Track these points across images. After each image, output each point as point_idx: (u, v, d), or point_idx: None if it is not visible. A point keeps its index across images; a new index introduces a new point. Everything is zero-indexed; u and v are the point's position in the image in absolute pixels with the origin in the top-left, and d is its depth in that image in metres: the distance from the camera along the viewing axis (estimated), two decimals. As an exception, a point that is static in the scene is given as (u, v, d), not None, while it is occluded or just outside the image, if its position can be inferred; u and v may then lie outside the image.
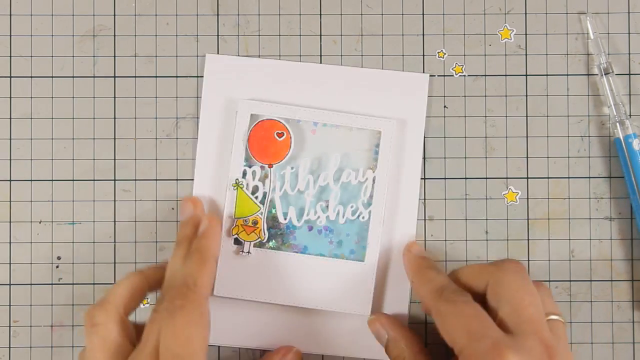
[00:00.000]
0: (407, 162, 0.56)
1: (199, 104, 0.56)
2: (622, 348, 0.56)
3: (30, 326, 0.56)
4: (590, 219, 0.56)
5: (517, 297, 0.47)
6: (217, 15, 0.57)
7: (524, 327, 0.46)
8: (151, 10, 0.57)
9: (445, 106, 0.57)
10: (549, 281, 0.56)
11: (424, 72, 0.57)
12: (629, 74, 0.57)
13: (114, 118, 0.56)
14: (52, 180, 0.56)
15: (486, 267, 0.50)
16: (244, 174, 0.55)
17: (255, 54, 0.57)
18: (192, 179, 0.56)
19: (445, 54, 0.57)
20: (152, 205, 0.56)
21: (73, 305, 0.56)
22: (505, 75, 0.57)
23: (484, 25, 0.57)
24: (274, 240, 0.56)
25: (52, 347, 0.56)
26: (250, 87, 0.56)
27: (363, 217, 0.55)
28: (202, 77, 0.56)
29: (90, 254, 0.56)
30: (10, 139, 0.56)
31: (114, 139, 0.56)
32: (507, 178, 0.56)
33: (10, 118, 0.56)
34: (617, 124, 0.56)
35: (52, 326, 0.56)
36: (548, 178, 0.56)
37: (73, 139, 0.56)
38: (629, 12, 0.57)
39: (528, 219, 0.56)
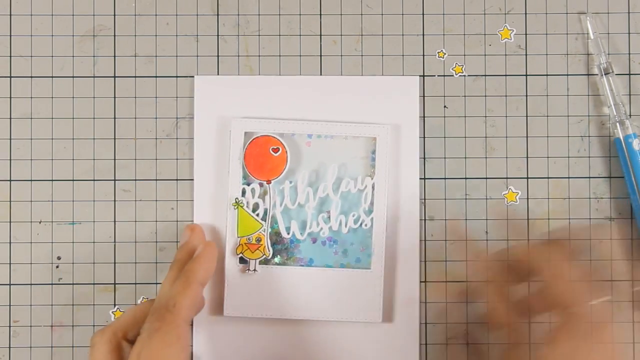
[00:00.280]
0: (405, 165, 0.56)
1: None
2: (622, 348, 0.56)
3: (30, 326, 0.56)
4: (590, 219, 0.56)
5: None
6: (217, 15, 0.57)
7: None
8: (151, 10, 0.57)
9: (445, 106, 0.57)
10: (549, 281, 0.56)
11: (424, 72, 0.57)
12: (629, 74, 0.57)
13: (114, 118, 0.56)
14: (52, 180, 0.56)
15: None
16: (243, 193, 0.55)
17: (255, 54, 0.57)
18: (192, 179, 0.56)
19: (445, 54, 0.57)
20: (152, 205, 0.56)
21: (73, 305, 0.56)
22: (505, 75, 0.57)
23: (484, 25, 0.57)
24: (279, 256, 0.56)
25: (52, 347, 0.56)
26: (241, 104, 0.56)
27: (366, 225, 0.55)
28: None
29: (90, 254, 0.56)
30: (10, 139, 0.56)
31: (114, 139, 0.56)
32: (507, 178, 0.56)
33: (10, 118, 0.56)
34: (617, 124, 0.56)
35: (52, 326, 0.56)
36: (548, 178, 0.56)
37: (73, 139, 0.56)
38: (629, 12, 0.57)
39: (528, 219, 0.56)
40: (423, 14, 0.57)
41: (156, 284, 0.56)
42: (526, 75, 0.57)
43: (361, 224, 0.55)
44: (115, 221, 0.56)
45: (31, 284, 0.56)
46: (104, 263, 0.56)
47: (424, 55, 0.57)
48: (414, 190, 0.56)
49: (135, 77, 0.57)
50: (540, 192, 0.56)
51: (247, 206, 0.55)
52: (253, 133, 0.55)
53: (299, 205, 0.56)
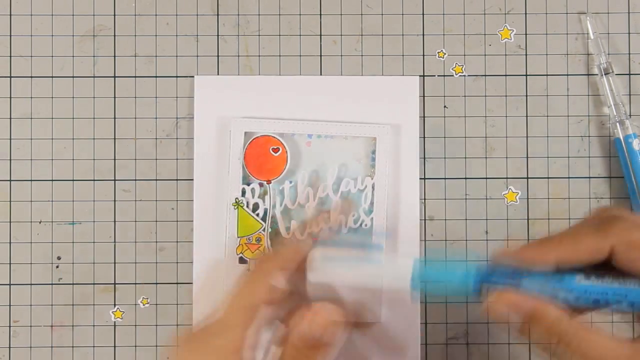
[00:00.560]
0: (405, 165, 0.56)
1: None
2: None
3: (30, 326, 0.56)
4: (590, 219, 0.56)
5: None
6: (217, 15, 0.57)
7: None
8: (151, 10, 0.57)
9: (445, 106, 0.57)
10: (549, 281, 0.56)
11: (424, 72, 0.57)
12: (629, 74, 0.57)
13: (114, 118, 0.56)
14: (52, 180, 0.56)
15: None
16: (243, 193, 0.55)
17: (255, 54, 0.57)
18: (192, 179, 0.56)
19: (445, 54, 0.57)
20: (152, 205, 0.56)
21: (73, 305, 0.56)
22: (505, 75, 0.57)
23: (484, 25, 0.57)
24: (279, 257, 0.56)
25: (52, 347, 0.56)
26: (241, 104, 0.56)
27: (366, 225, 0.55)
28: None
29: (90, 254, 0.56)
30: (10, 139, 0.56)
31: (114, 139, 0.56)
32: (507, 178, 0.56)
33: (10, 118, 0.56)
34: (617, 124, 0.56)
35: (52, 326, 0.56)
36: (548, 178, 0.56)
37: (73, 139, 0.56)
38: (629, 12, 0.57)
39: (528, 219, 0.56)
40: (423, 14, 0.57)
41: (156, 284, 0.56)
42: (526, 75, 0.57)
43: (361, 224, 0.55)
44: (115, 221, 0.56)
45: (31, 284, 0.56)
46: (104, 263, 0.56)
47: (424, 55, 0.57)
48: (414, 190, 0.56)
49: (135, 77, 0.57)
50: (540, 192, 0.56)
51: (247, 206, 0.55)
52: (253, 133, 0.55)
53: (299, 205, 0.56)
